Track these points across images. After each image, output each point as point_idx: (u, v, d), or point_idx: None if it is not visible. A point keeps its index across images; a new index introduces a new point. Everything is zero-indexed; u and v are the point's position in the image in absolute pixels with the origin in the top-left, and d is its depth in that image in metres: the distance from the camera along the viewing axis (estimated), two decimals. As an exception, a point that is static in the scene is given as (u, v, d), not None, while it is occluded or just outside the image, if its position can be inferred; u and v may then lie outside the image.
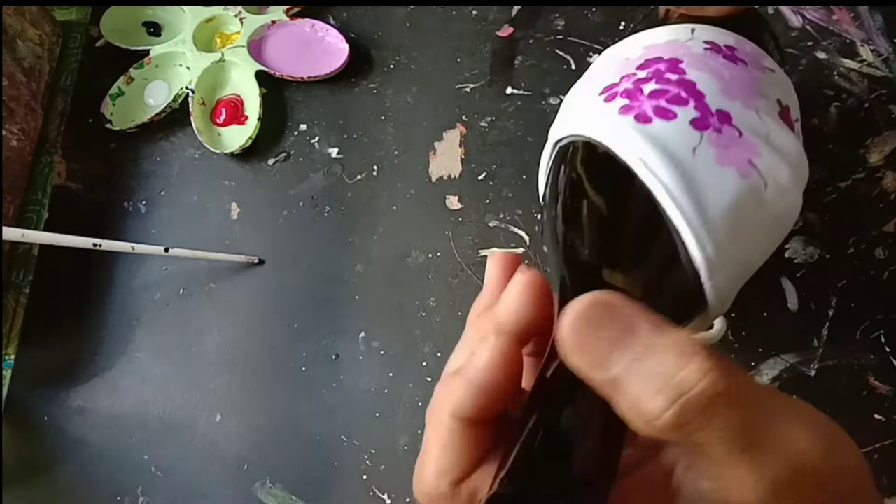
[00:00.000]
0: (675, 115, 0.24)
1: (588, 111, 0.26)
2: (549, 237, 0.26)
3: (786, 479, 0.15)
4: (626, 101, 0.25)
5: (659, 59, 0.27)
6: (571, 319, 0.16)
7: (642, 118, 0.24)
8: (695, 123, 0.24)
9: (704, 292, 0.23)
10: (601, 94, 0.27)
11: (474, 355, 0.18)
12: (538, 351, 0.20)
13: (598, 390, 0.16)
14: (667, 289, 0.23)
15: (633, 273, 0.22)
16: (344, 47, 0.45)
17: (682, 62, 0.26)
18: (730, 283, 0.24)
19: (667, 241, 0.23)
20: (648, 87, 0.26)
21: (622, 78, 0.27)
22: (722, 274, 0.23)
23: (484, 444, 0.18)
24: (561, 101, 0.43)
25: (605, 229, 0.24)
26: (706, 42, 0.28)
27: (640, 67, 0.27)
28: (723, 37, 0.28)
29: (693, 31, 0.28)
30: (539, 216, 0.40)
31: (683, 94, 0.25)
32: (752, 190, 0.24)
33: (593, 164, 0.26)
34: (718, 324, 0.30)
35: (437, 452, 0.18)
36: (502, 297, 0.20)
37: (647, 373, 0.16)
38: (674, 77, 0.26)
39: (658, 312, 0.17)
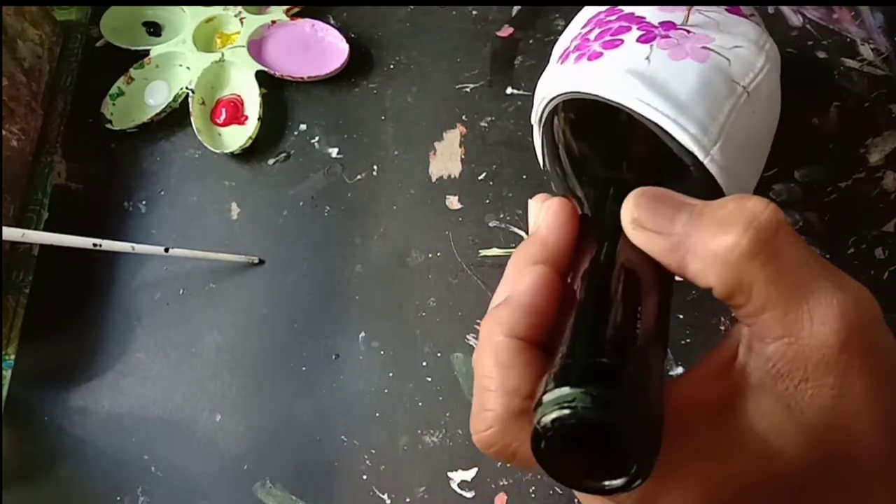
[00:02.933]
0: (621, 42, 0.27)
1: (550, 76, 0.29)
2: (559, 180, 0.28)
3: (857, 318, 0.16)
4: (576, 53, 0.28)
5: (597, 14, 0.30)
6: (633, 200, 0.18)
7: (594, 56, 0.27)
8: (641, 40, 0.27)
9: (711, 174, 0.25)
10: (557, 60, 0.30)
11: (518, 283, 0.20)
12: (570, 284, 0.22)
13: (664, 259, 0.18)
14: (679, 183, 0.24)
15: (645, 177, 0.24)
16: (344, 47, 0.45)
17: (620, 10, 0.29)
18: (732, 158, 0.25)
19: (658, 141, 0.25)
20: (593, 34, 0.29)
21: (571, 41, 0.30)
22: (718, 149, 0.24)
23: (540, 366, 0.18)
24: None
25: (606, 153, 0.27)
26: None
27: (584, 27, 0.30)
28: None
29: None
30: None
31: (625, 24, 0.28)
32: (714, 69, 0.26)
33: (573, 112, 0.28)
34: None
35: (499, 375, 0.18)
36: (539, 221, 0.21)
37: (712, 217, 0.17)
38: (613, 17, 0.29)
39: None
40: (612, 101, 0.25)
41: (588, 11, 0.32)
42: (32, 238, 0.35)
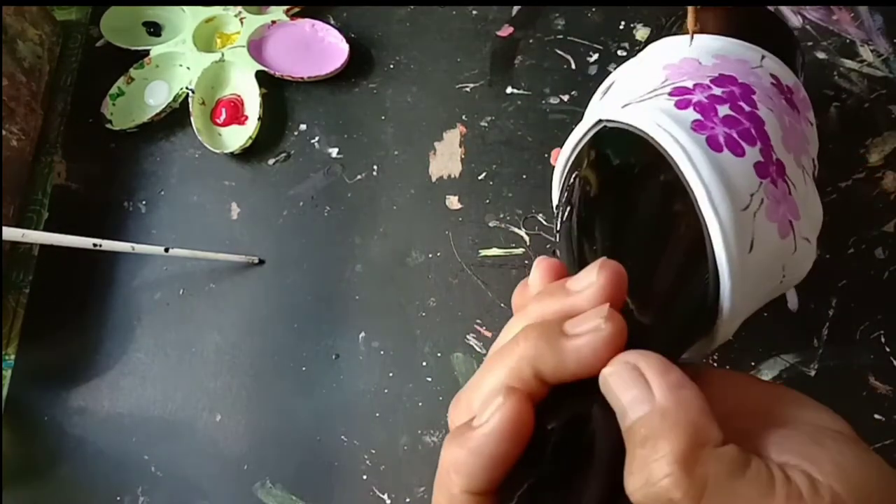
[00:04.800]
0: (743, 153, 0.24)
1: (657, 109, 0.24)
2: (565, 240, 0.25)
3: None
4: (698, 117, 0.24)
5: (733, 80, 0.26)
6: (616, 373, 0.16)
7: (714, 144, 0.23)
8: (758, 168, 0.24)
9: (719, 309, 0.23)
10: (672, 95, 0.25)
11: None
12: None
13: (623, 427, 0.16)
14: (686, 303, 0.23)
15: (654, 291, 0.22)
16: (344, 47, 0.45)
17: (754, 93, 0.26)
18: (739, 311, 0.23)
19: (697, 269, 0.22)
20: (723, 111, 0.25)
21: (695, 86, 0.26)
22: (738, 297, 0.22)
23: None
24: (561, 100, 0.43)
25: (644, 238, 0.23)
26: (772, 76, 0.27)
27: (714, 82, 0.26)
28: (786, 74, 0.28)
29: (763, 57, 0.28)
30: (547, 216, 0.40)
31: (753, 132, 0.24)
32: (784, 250, 0.24)
33: (638, 161, 0.24)
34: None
35: None
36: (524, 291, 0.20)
37: (636, 453, 0.16)
38: (746, 108, 0.25)
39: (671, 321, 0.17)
40: (702, 212, 0.22)
41: (714, 47, 0.28)
42: (32, 238, 0.35)
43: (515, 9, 0.46)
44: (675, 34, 0.30)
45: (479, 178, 0.41)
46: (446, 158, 0.42)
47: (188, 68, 0.45)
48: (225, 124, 0.44)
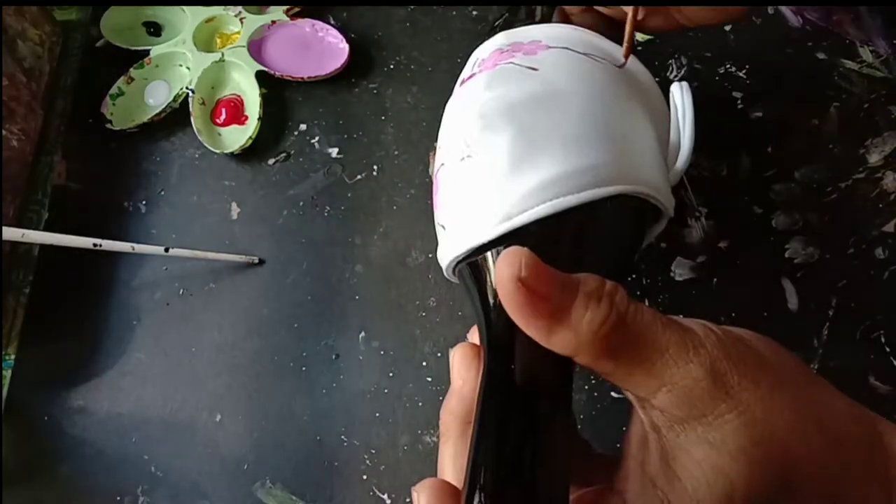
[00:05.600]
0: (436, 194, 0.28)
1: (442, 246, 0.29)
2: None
3: (712, 344, 0.18)
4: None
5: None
6: (516, 257, 0.18)
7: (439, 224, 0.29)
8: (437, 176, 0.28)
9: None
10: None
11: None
12: None
13: (534, 327, 0.18)
14: None
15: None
16: (344, 47, 0.45)
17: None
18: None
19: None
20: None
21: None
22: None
23: None
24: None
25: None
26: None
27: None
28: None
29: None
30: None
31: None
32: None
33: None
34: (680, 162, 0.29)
35: None
36: (452, 371, 0.23)
37: (582, 293, 0.18)
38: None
39: None
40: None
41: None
42: (32, 238, 0.35)
43: (515, 9, 0.46)
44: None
45: (479, 178, 0.41)
46: (446, 158, 0.42)
47: (188, 68, 0.45)
48: (225, 124, 0.44)
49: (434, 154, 0.31)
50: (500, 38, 0.30)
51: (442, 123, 0.29)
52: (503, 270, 0.18)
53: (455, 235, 0.25)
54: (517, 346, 0.21)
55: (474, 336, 0.25)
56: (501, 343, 0.21)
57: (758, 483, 0.17)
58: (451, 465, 0.21)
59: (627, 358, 0.18)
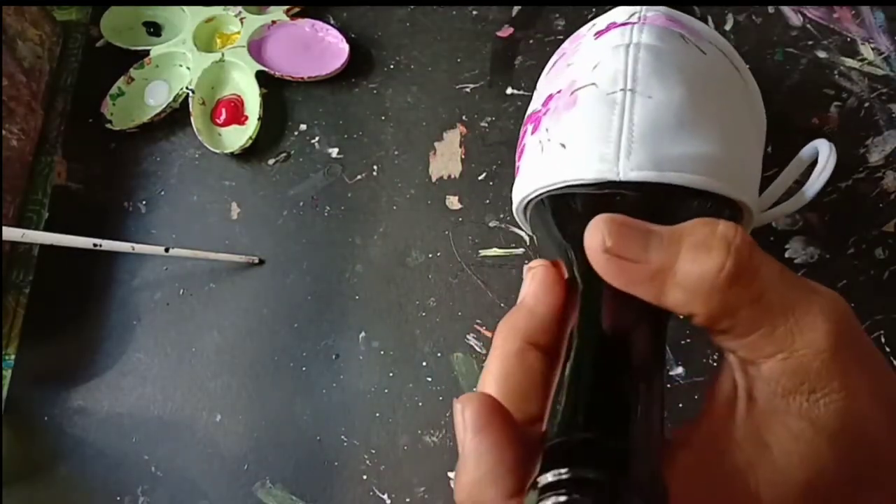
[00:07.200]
0: (524, 147, 0.31)
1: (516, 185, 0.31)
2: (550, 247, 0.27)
3: (840, 318, 0.16)
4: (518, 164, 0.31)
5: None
6: (602, 226, 0.17)
7: (516, 172, 0.31)
8: (533, 132, 0.30)
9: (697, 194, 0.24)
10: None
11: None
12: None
13: (641, 290, 0.17)
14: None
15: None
16: (344, 47, 0.45)
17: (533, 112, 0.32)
18: (654, 150, 0.24)
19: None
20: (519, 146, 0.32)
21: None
22: (625, 160, 0.24)
23: (550, 373, 0.19)
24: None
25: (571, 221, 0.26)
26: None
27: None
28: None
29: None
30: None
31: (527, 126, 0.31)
32: (590, 101, 0.27)
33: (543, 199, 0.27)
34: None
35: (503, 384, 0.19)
36: (526, 289, 0.21)
37: (688, 242, 0.17)
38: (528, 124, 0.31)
39: None
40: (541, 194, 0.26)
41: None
42: (32, 238, 0.35)
43: (515, 9, 0.46)
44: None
45: (480, 178, 0.41)
46: (446, 158, 0.42)
47: (188, 68, 0.45)
48: (225, 124, 0.44)
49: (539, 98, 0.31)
50: (663, 8, 0.30)
51: (584, 45, 0.29)
52: (591, 243, 0.17)
53: (578, 158, 0.24)
54: (611, 300, 0.19)
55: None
56: (597, 291, 0.20)
57: (847, 469, 0.16)
58: (497, 383, 0.19)
59: (746, 317, 0.16)
